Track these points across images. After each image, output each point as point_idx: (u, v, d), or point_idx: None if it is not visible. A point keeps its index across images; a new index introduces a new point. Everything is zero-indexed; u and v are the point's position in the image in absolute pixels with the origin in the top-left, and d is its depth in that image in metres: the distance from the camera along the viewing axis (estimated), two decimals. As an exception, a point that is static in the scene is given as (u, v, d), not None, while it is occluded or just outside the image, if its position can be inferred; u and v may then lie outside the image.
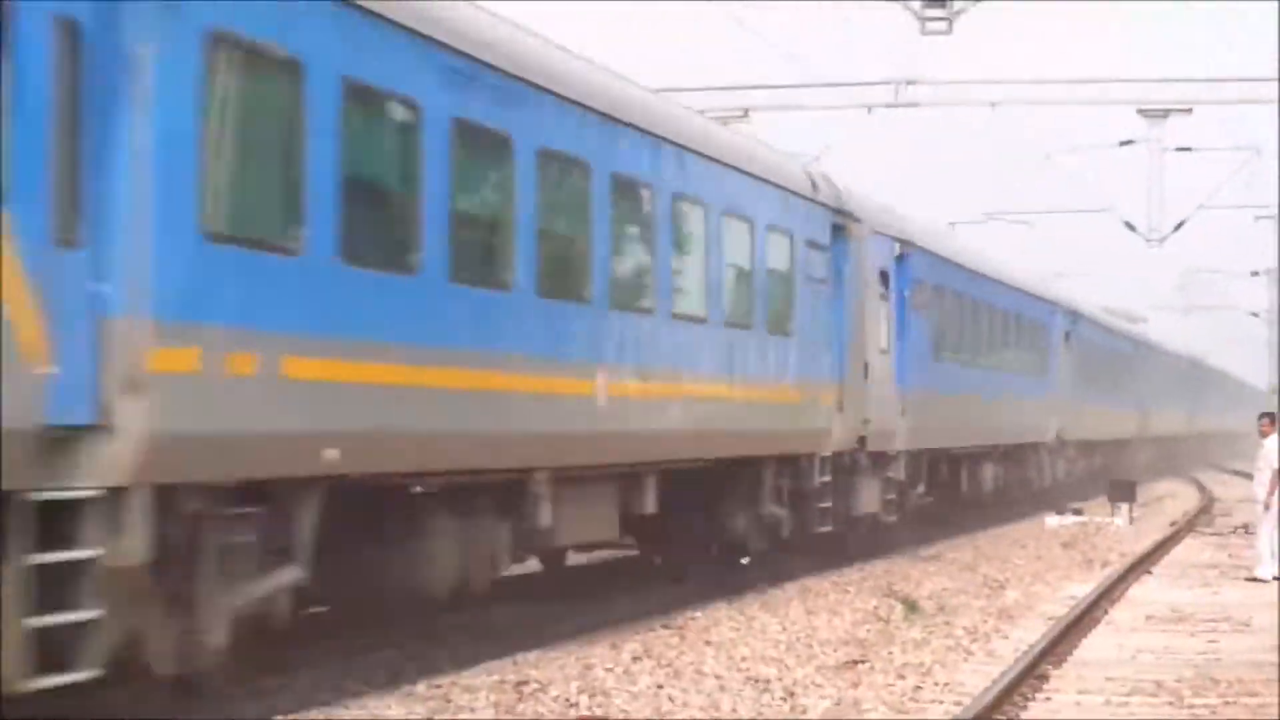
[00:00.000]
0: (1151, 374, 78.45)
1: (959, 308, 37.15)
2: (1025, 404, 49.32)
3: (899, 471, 31.52)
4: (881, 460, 30.46)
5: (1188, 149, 38.81)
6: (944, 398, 35.75)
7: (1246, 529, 39.58)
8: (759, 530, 30.01)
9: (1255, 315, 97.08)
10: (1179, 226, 40.97)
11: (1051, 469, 62.95)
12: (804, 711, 18.84)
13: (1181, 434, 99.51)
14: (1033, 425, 48.73)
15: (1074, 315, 59.16)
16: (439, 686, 18.77)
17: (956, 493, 44.94)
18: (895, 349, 31.08)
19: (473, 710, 17.47)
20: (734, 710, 18.42)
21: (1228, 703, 19.07)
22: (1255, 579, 34.23)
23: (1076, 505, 57.39)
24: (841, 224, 29.20)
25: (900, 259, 32.07)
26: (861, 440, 28.80)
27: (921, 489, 36.37)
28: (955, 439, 37.41)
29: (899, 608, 28.11)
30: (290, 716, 16.79)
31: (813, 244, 31.46)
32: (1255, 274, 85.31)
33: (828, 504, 26.54)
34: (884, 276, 30.93)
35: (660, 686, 19.40)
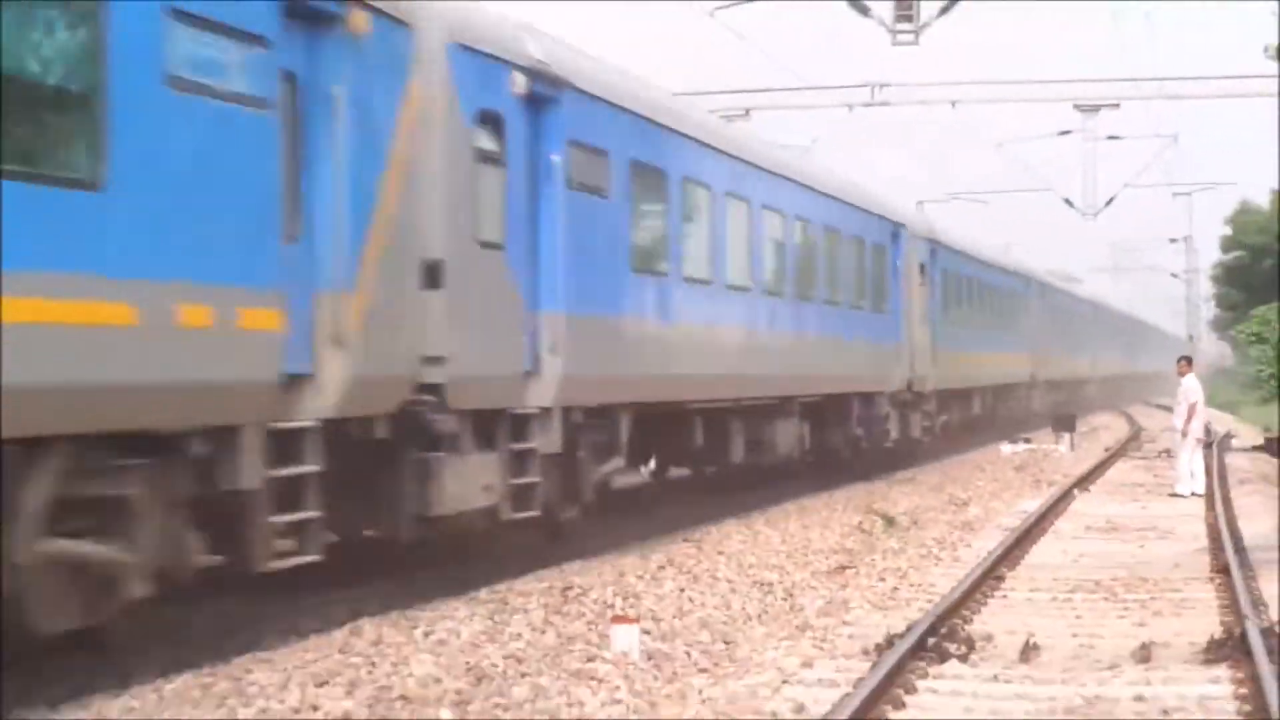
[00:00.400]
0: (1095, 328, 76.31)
1: (967, 287, 40.62)
2: (1008, 355, 51.57)
3: (932, 405, 35.38)
4: (921, 398, 33.95)
5: (1117, 137, 40.12)
6: (957, 353, 38.51)
7: (1168, 453, 40.40)
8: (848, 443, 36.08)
9: (1175, 276, 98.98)
10: (1109, 202, 42.51)
11: (1028, 403, 64.49)
12: (801, 609, 19.19)
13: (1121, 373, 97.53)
14: (1014, 371, 51.73)
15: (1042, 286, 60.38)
16: (498, 592, 18.98)
17: (969, 420, 49.21)
18: (929, 319, 33.65)
19: (526, 610, 17.55)
20: (743, 609, 18.87)
21: (1154, 598, 19.64)
22: (1175, 495, 35.23)
23: (1026, 435, 58.10)
24: (897, 231, 32.08)
25: (932, 254, 34.57)
26: (909, 383, 32.66)
27: (945, 418, 38.86)
28: (965, 382, 41.84)
29: (880, 522, 28.60)
30: (373, 618, 16.69)
31: (880, 247, 37.09)
32: (1174, 240, 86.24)
33: (890, 427, 30.31)
34: (922, 267, 33.58)
35: (682, 590, 19.88)
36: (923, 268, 35.57)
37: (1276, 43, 26.49)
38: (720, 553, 23.73)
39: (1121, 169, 46.15)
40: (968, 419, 55.22)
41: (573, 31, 26.18)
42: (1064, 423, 60.44)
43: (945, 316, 38.50)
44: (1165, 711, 12.58)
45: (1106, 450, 52.81)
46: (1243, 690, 13.08)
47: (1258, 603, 17.70)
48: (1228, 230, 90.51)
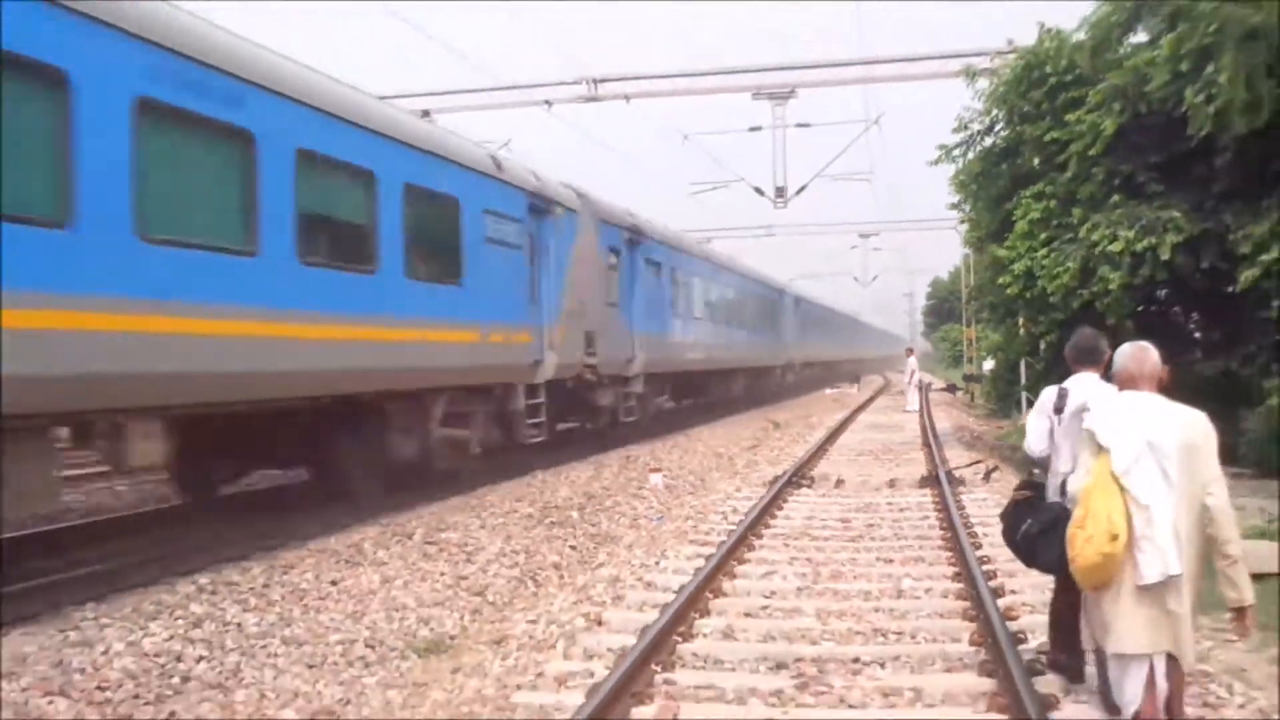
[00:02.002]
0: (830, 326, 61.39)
1: (672, 277, 26.12)
2: (721, 340, 32.78)
3: (639, 386, 22.83)
4: (620, 380, 21.88)
5: (806, 125, 28.82)
6: (665, 337, 25.23)
7: (904, 393, 40.60)
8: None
9: (856, 279, 71.57)
10: (800, 190, 29.35)
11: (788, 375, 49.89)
12: (735, 465, 19.96)
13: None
14: (727, 356, 33.27)
15: (782, 291, 44.74)
16: (599, 459, 19.06)
17: (705, 398, 33.25)
18: (626, 305, 22.01)
19: (609, 465, 17.78)
20: (708, 465, 19.37)
21: (896, 458, 20.39)
22: (906, 411, 35.06)
23: (839, 383, 58.67)
24: (545, 207, 17.90)
25: (630, 243, 22.37)
26: (591, 368, 19.60)
27: (666, 398, 26.59)
28: (678, 365, 26.66)
29: (771, 425, 28.59)
30: (543, 470, 16.73)
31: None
32: (854, 248, 63.48)
33: (539, 419, 17.14)
34: (616, 252, 21.62)
35: (681, 456, 20.19)
36: (616, 252, 22.58)
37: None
38: (700, 439, 23.96)
39: (816, 157, 31.14)
40: (813, 376, 55.03)
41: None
42: (854, 378, 62.37)
43: (644, 301, 24.65)
44: (902, 509, 13.77)
45: (875, 391, 53.48)
46: (936, 499, 14.26)
47: (943, 460, 18.47)
48: (930, 283, 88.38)
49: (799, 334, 47.12)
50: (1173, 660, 4.72)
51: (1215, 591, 5.99)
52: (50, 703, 5.83)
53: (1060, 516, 5.38)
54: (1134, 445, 4.63)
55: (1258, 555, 5.85)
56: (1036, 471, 6.34)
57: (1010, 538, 6.17)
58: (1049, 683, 6.36)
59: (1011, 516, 6.14)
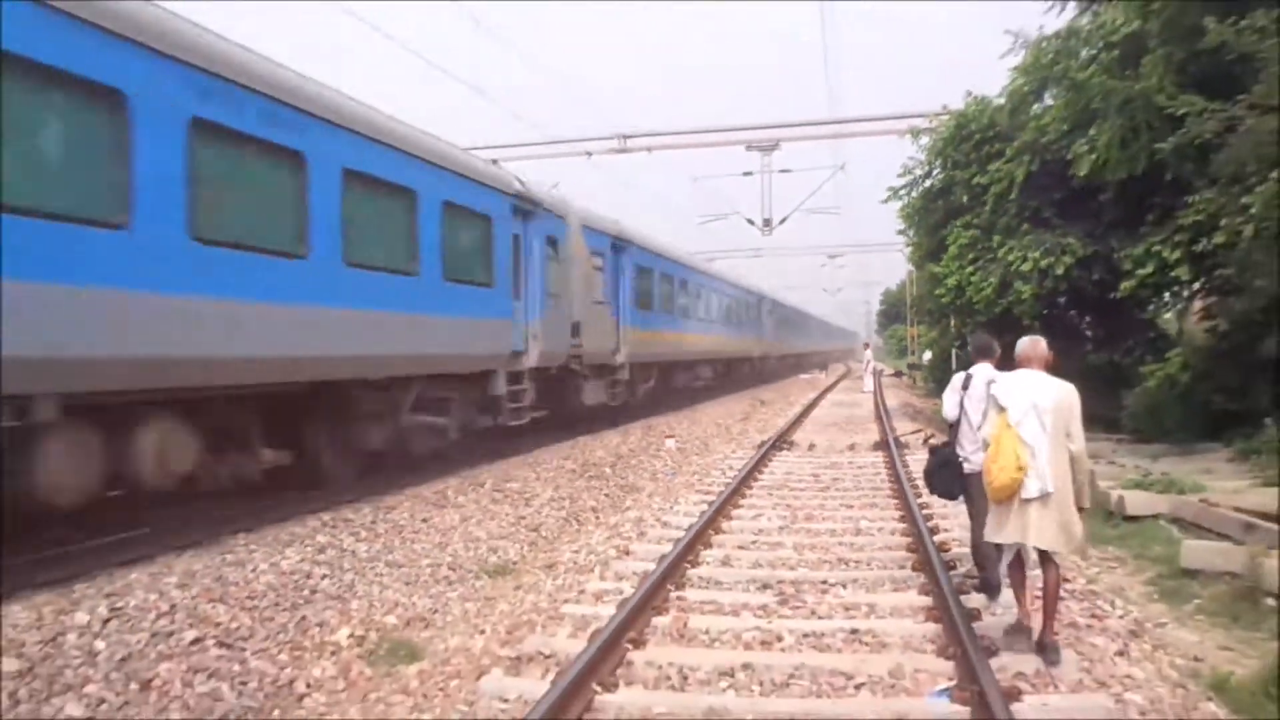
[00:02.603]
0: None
1: (659, 279, 23.44)
2: (707, 336, 29.49)
3: (625, 374, 19.92)
4: (607, 369, 19.04)
5: (788, 170, 28.46)
6: (649, 331, 22.14)
7: (861, 378, 40.02)
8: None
9: (825, 290, 72.93)
10: (783, 221, 29.42)
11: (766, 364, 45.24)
12: (729, 428, 20.00)
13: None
14: (710, 347, 29.88)
15: (761, 296, 40.97)
16: (624, 427, 18.43)
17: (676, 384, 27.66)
18: (614, 301, 19.47)
19: (633, 432, 17.32)
20: (710, 432, 19.04)
21: (855, 428, 20.19)
22: (863, 392, 34.55)
23: (811, 370, 58.24)
24: (531, 210, 14.55)
25: (615, 248, 19.65)
26: (577, 358, 16.65)
27: (652, 384, 23.52)
28: (663, 356, 23.96)
29: (758, 403, 28.18)
30: (583, 436, 16.32)
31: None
32: (823, 266, 62.40)
33: (521, 404, 14.09)
34: (601, 255, 18.81)
35: (689, 425, 19.64)
36: (601, 255, 19.28)
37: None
38: (704, 413, 23.53)
39: (795, 194, 30.93)
40: (788, 365, 51.23)
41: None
42: (822, 365, 61.53)
43: (631, 299, 21.39)
44: (860, 467, 13.76)
45: (839, 376, 53.12)
46: (886, 459, 14.29)
47: (892, 429, 18.35)
48: (882, 293, 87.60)
49: (774, 330, 44.16)
50: (1048, 558, 5.37)
51: (1099, 531, 6.77)
52: (213, 607, 5.94)
53: (949, 459, 6.34)
54: (1023, 405, 5.29)
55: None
56: (951, 432, 6.60)
57: (932, 484, 6.71)
58: (972, 599, 6.42)
59: (932, 469, 6.65)
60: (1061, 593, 5.83)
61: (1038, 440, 5.22)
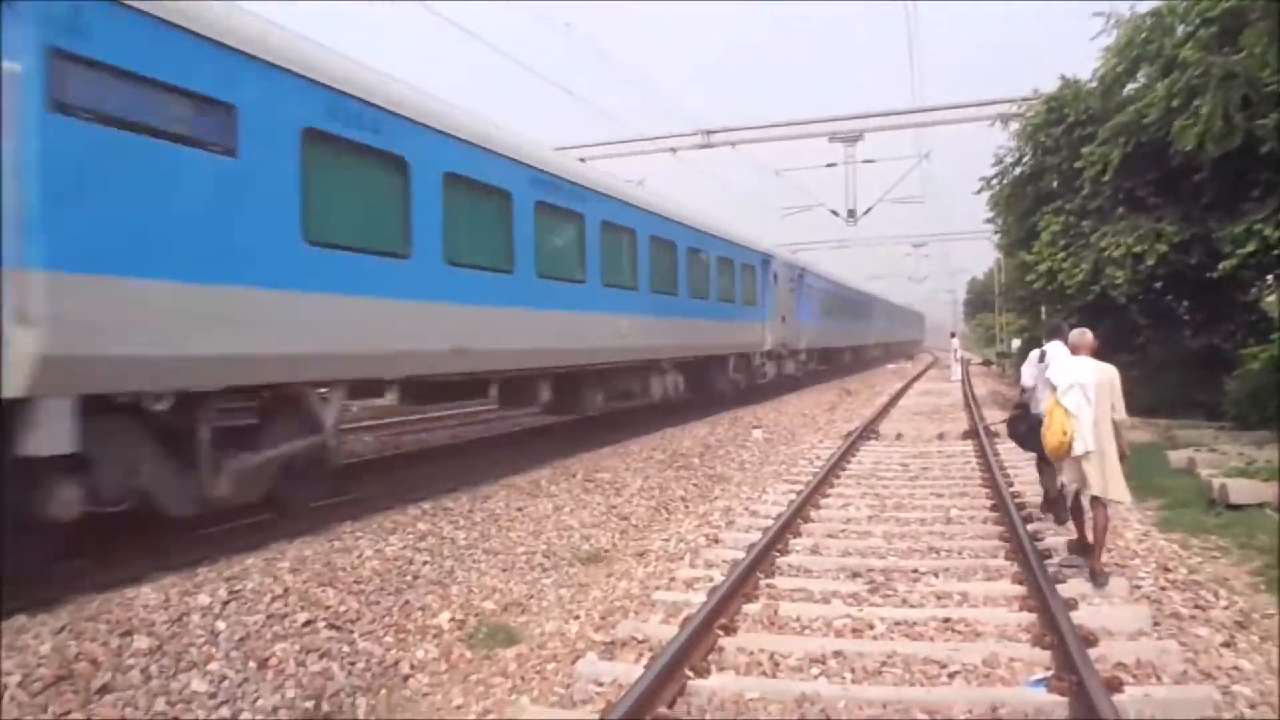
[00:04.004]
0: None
1: (825, 296, 30.54)
2: (854, 332, 37.84)
3: (801, 356, 26.24)
4: (795, 353, 25.42)
5: (871, 161, 28.12)
6: (820, 329, 29.27)
7: (949, 367, 39.26)
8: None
9: (910, 279, 67.04)
10: (867, 211, 29.26)
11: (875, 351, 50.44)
12: (816, 419, 19.83)
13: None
14: (860, 342, 39.54)
15: (877, 301, 47.67)
16: (713, 418, 18.23)
17: (842, 364, 37.25)
18: (798, 313, 25.51)
19: (722, 423, 17.12)
20: (797, 423, 18.90)
21: (944, 417, 19.76)
22: (951, 381, 33.39)
23: (897, 360, 57.18)
24: (767, 259, 22.34)
25: (799, 276, 25.93)
26: (783, 344, 23.61)
27: (816, 362, 30.17)
28: (830, 344, 31.75)
29: (845, 393, 27.50)
30: (670, 428, 16.05)
31: (751, 267, 21.12)
32: (908, 255, 59.45)
33: (767, 369, 22.24)
34: (792, 282, 24.83)
35: (776, 416, 19.46)
36: (792, 282, 24.88)
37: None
38: (789, 404, 22.99)
39: (879, 184, 30.73)
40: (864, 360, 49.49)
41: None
42: (910, 355, 60.06)
43: (807, 312, 27.41)
44: (949, 456, 13.46)
45: (926, 366, 52.02)
46: (976, 448, 13.91)
47: (981, 418, 17.71)
48: (968, 281, 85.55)
49: (884, 325, 51.17)
50: (1098, 502, 6.49)
51: (1200, 520, 8.21)
52: (323, 591, 6.12)
53: (1034, 424, 7.24)
54: (1068, 382, 6.49)
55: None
56: (1025, 394, 7.96)
57: (1011, 434, 8.25)
58: (1069, 588, 6.23)
59: (1010, 424, 8.31)
60: (1163, 576, 6.25)
61: (1081, 410, 6.39)
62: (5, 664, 4.43)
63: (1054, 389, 6.56)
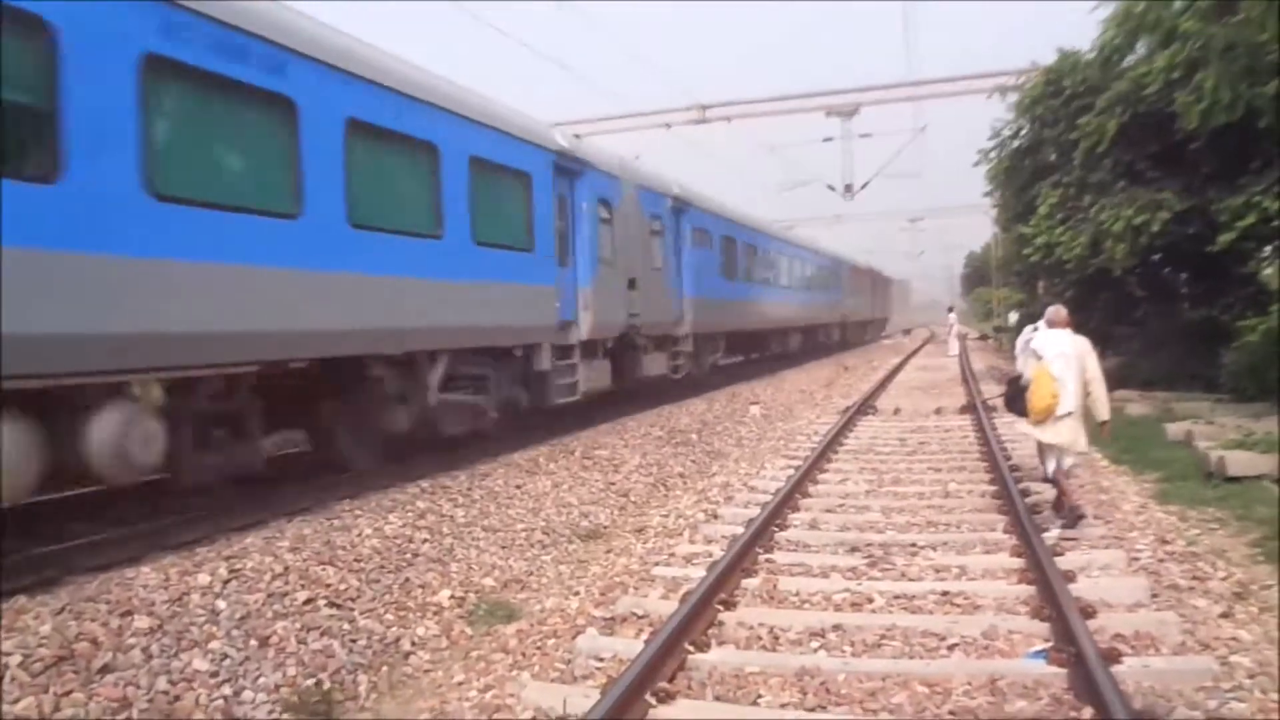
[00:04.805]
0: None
1: (730, 246, 21.25)
2: (771, 302, 25.83)
3: (688, 345, 17.63)
4: (669, 340, 16.96)
5: (868, 135, 27.45)
6: (720, 301, 19.99)
7: (946, 342, 39.11)
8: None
9: (905, 254, 69.30)
10: (864, 186, 28.72)
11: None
12: (813, 395, 19.84)
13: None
14: (781, 315, 27.25)
15: (825, 260, 35.49)
16: (709, 395, 18.13)
17: (760, 354, 28.33)
18: (671, 274, 17.02)
19: (718, 400, 17.22)
20: (794, 399, 18.95)
21: (941, 391, 19.73)
22: (948, 356, 33.35)
23: (890, 334, 56.98)
24: (573, 169, 12.80)
25: (672, 212, 17.12)
26: (632, 327, 14.57)
27: (720, 355, 21.78)
28: (728, 327, 21.35)
29: (842, 369, 27.78)
30: (669, 405, 15.92)
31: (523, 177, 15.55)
32: (903, 230, 59.45)
33: (579, 375, 12.82)
34: (656, 219, 16.21)
35: (774, 393, 19.64)
36: (659, 219, 16.46)
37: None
38: (787, 380, 23.37)
39: (875, 158, 30.94)
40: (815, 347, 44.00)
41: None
42: (906, 330, 60.09)
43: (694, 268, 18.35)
44: (947, 431, 13.51)
45: (923, 340, 51.82)
46: (974, 422, 13.95)
47: (978, 393, 17.77)
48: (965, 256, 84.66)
49: (851, 297, 41.41)
50: (1065, 452, 7.36)
51: (1198, 492, 8.54)
52: (323, 569, 6.13)
53: (1023, 388, 7.77)
54: (1053, 352, 7.31)
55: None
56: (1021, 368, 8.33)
57: (1008, 407, 8.65)
58: (1066, 560, 6.26)
59: (1006, 391, 8.69)
60: (1161, 549, 6.34)
61: (1065, 375, 7.23)
62: (6, 644, 4.43)
63: (1039, 359, 7.40)
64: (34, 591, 5.35)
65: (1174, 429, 11.56)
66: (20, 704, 4.06)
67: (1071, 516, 7.21)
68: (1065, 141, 17.18)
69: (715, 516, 8.27)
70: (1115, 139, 15.63)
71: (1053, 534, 6.98)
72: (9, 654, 4.35)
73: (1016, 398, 8.13)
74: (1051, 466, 7.58)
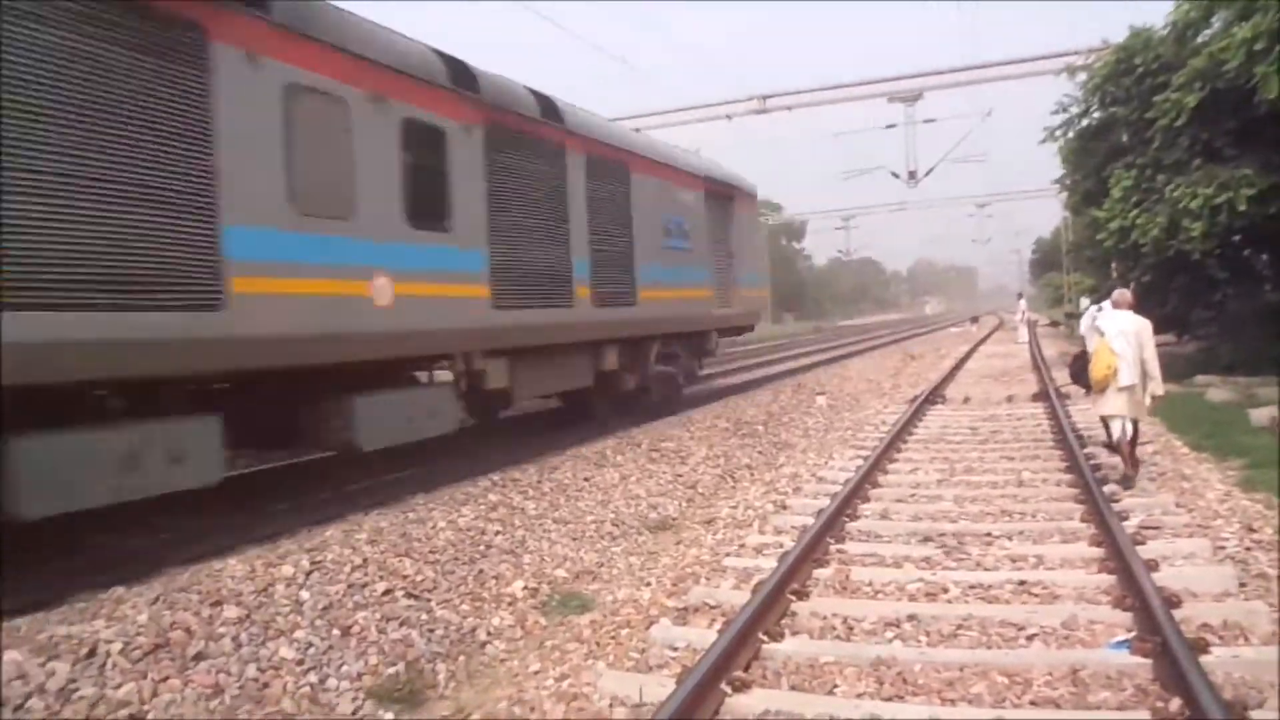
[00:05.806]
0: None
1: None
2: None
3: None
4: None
5: (932, 120, 27.12)
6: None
7: (1015, 329, 38.65)
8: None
9: (974, 241, 65.52)
10: (929, 172, 28.06)
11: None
12: (880, 384, 19.58)
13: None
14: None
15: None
16: (776, 384, 18.58)
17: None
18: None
19: (785, 391, 17.19)
20: (863, 389, 18.86)
21: (1012, 379, 19.46)
22: (1017, 342, 33.11)
23: (961, 322, 56.17)
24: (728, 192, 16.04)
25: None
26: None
27: None
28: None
29: (909, 358, 27.31)
30: (732, 396, 16.37)
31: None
32: (970, 216, 57.50)
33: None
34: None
35: (841, 383, 19.57)
36: None
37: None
38: (852, 369, 23.49)
39: (940, 145, 29.43)
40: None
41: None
42: (974, 320, 59.04)
43: None
44: (1019, 419, 13.23)
45: (991, 329, 50.96)
46: (1047, 410, 13.75)
47: (1050, 379, 17.31)
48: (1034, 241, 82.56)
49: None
50: (1134, 423, 8.34)
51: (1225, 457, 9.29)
52: (400, 561, 6.27)
53: (1087, 361, 8.73)
54: (1115, 330, 8.23)
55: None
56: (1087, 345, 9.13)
57: (1073, 378, 10.12)
58: (1152, 550, 6.11)
59: (1072, 365, 10.17)
60: (1248, 537, 6.14)
61: (1124, 351, 8.12)
62: (107, 632, 4.62)
63: (1101, 335, 8.31)
64: (131, 583, 5.56)
65: (1258, 415, 11.21)
66: (122, 690, 4.23)
67: (1127, 479, 8.15)
68: (1138, 120, 16.70)
69: (784, 507, 8.23)
70: (1192, 116, 15.13)
71: (1111, 488, 7.92)
72: (110, 641, 4.53)
73: (1082, 372, 9.23)
74: (1117, 433, 8.38)
